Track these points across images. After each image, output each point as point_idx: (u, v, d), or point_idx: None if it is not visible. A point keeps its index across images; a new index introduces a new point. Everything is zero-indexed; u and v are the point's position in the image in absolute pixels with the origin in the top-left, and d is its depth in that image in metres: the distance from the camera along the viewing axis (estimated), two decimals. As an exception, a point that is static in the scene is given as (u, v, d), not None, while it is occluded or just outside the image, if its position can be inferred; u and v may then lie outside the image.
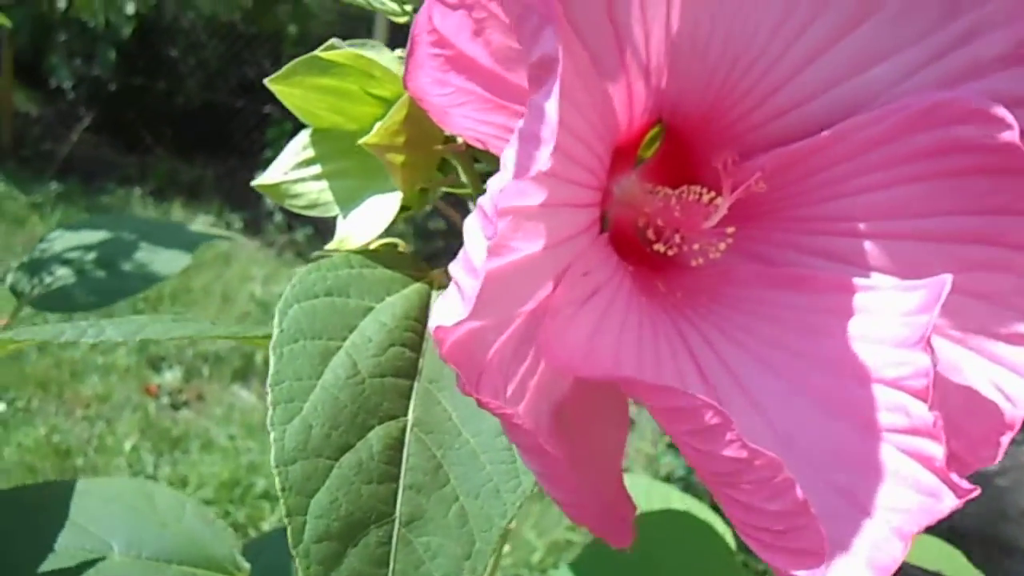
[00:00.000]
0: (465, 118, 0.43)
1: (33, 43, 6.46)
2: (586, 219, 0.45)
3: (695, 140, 0.52)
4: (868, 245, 0.49)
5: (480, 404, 0.34)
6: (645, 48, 0.47)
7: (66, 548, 0.67)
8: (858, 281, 0.48)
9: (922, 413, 0.41)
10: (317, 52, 0.45)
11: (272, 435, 0.35)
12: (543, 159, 0.34)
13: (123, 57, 6.34)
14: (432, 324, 0.32)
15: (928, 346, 0.41)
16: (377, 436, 0.37)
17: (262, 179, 0.47)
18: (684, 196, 0.49)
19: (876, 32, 0.46)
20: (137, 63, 6.52)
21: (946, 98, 0.44)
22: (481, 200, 0.33)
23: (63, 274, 0.91)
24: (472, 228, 0.34)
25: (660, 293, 0.51)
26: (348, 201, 0.47)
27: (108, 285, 0.88)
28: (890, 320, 0.46)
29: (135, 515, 0.68)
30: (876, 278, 0.49)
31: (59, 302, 0.92)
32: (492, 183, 0.34)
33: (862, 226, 0.49)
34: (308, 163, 0.48)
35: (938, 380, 0.48)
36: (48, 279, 0.93)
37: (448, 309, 0.33)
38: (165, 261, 0.90)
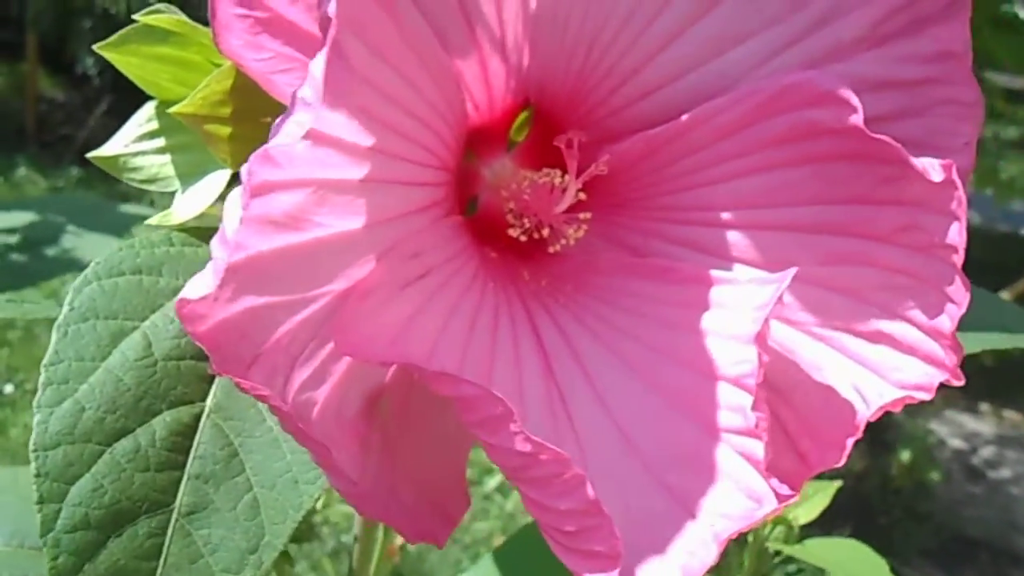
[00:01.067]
0: (291, 86, 0.41)
1: (58, 29, 6.52)
2: (423, 198, 0.43)
3: (563, 123, 0.50)
4: (733, 236, 0.47)
5: (239, 387, 0.32)
6: (498, 23, 0.45)
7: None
8: (719, 274, 0.45)
9: (755, 413, 0.39)
10: (139, 17, 0.44)
11: (36, 417, 0.33)
12: (307, 125, 0.32)
13: (146, 45, 6.36)
14: (179, 298, 0.30)
15: (761, 342, 0.39)
16: (163, 422, 0.36)
17: (99, 151, 0.46)
18: (537, 180, 0.47)
19: (733, 13, 0.44)
20: (159, 51, 6.54)
21: (796, 80, 0.41)
22: (242, 170, 0.31)
23: (-29, 266, 0.90)
24: (232, 200, 0.32)
25: (523, 280, 0.49)
26: (189, 176, 0.45)
27: (26, 269, 0.87)
28: (743, 315, 0.43)
29: (22, 505, 0.67)
30: (740, 270, 0.47)
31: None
32: (255, 154, 0.32)
33: (727, 215, 0.47)
34: (151, 135, 0.46)
35: (799, 379, 0.46)
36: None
37: (197, 282, 0.31)
38: (91, 245, 0.89)
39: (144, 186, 0.47)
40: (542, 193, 0.47)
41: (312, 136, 0.34)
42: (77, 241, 0.91)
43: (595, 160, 0.49)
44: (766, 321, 0.39)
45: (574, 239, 0.48)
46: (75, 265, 0.88)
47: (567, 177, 0.47)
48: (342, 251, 0.38)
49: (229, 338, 0.32)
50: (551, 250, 0.48)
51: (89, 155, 0.46)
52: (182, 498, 0.35)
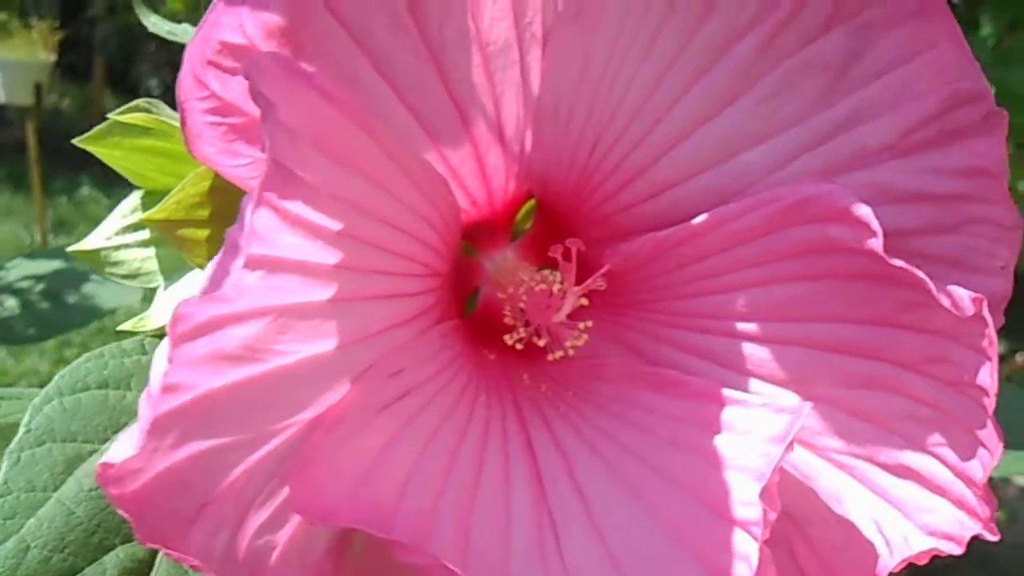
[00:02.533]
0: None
1: (123, 52, 6.70)
2: (407, 310, 0.40)
3: (568, 218, 0.47)
4: (749, 348, 0.43)
5: (168, 554, 0.29)
6: (496, 115, 0.42)
7: None
8: (730, 393, 0.42)
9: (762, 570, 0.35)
10: (114, 116, 0.42)
11: (-26, 557, 0.31)
12: (238, 272, 0.29)
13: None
14: (100, 461, 0.27)
15: (768, 497, 0.35)
16: (115, 559, 0.33)
17: (80, 245, 0.44)
18: (534, 287, 0.44)
19: (751, 111, 0.40)
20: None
21: (816, 192, 0.37)
22: (171, 314, 0.29)
23: (11, 305, 0.90)
24: (160, 350, 0.29)
25: (522, 385, 0.46)
26: (174, 271, 0.43)
27: (50, 317, 0.87)
28: (754, 444, 0.40)
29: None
30: (756, 386, 0.43)
31: (2, 333, 0.92)
32: (191, 299, 0.29)
33: (743, 326, 0.43)
34: (135, 227, 0.44)
35: (817, 510, 0.42)
36: (-2, 310, 0.93)
37: (124, 442, 0.28)
38: (110, 293, 0.89)
39: (126, 282, 0.45)
40: (540, 299, 0.44)
41: (265, 264, 0.32)
42: (97, 288, 0.90)
43: (601, 257, 0.46)
44: (775, 472, 0.35)
45: (573, 348, 0.44)
46: (93, 313, 0.87)
47: (564, 283, 0.43)
48: (311, 378, 0.35)
49: (167, 494, 0.30)
50: (550, 358, 0.45)
51: (70, 249, 0.45)
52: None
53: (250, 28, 0.35)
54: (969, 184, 0.36)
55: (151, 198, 0.45)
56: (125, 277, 0.44)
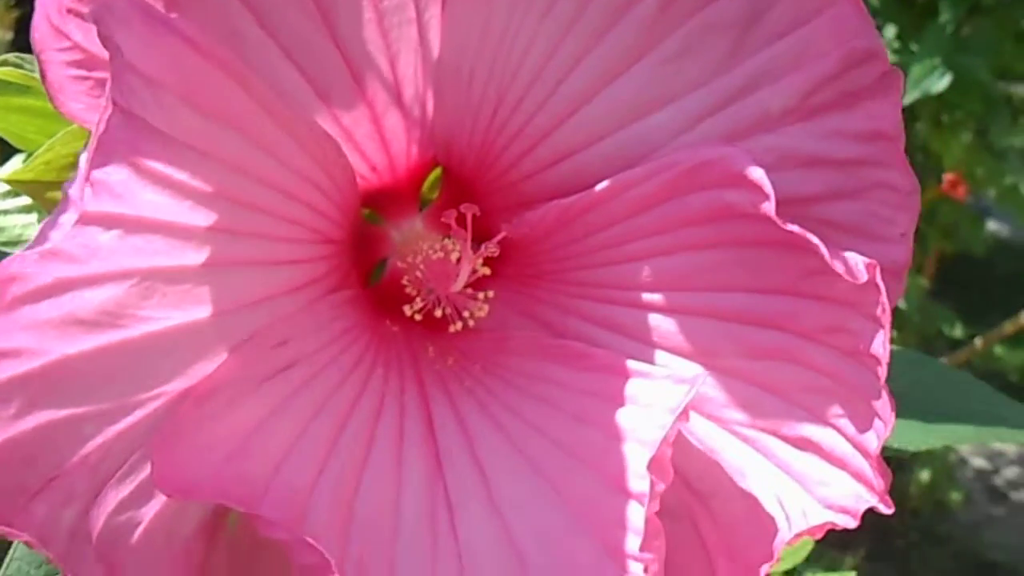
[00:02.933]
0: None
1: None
2: (294, 277, 0.39)
3: (473, 186, 0.45)
4: (655, 319, 0.42)
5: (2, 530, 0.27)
6: (392, 75, 0.40)
7: None
8: (635, 365, 0.40)
9: (648, 547, 0.34)
10: None
11: None
12: (87, 231, 0.28)
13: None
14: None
15: (657, 467, 0.34)
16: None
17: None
18: (431, 255, 0.43)
19: (654, 73, 0.39)
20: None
21: (711, 156, 0.36)
22: None
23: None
24: None
25: (426, 359, 0.44)
26: (55, 239, 0.41)
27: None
28: (653, 417, 0.38)
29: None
30: (661, 358, 0.42)
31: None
32: (31, 251, 0.27)
33: (648, 297, 0.42)
34: (17, 193, 0.42)
35: (722, 483, 0.41)
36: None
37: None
38: None
39: (7, 248, 0.42)
40: (438, 268, 0.42)
41: (122, 223, 0.30)
42: None
43: (507, 227, 0.45)
44: (664, 443, 0.34)
45: (473, 320, 0.43)
46: None
47: (467, 251, 0.42)
48: (182, 346, 0.34)
49: (7, 467, 0.28)
50: (451, 329, 0.43)
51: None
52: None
53: (114, -28, 0.33)
54: (868, 148, 0.35)
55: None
56: (6, 244, 0.42)
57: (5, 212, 0.42)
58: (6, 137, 0.42)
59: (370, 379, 0.41)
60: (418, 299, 0.43)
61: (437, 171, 0.46)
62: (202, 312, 0.34)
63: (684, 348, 0.41)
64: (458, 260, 0.42)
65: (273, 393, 0.36)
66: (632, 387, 0.40)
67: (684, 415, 0.36)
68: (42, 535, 0.29)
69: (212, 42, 0.33)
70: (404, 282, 0.44)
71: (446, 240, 0.44)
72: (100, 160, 0.28)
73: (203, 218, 0.33)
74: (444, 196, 0.46)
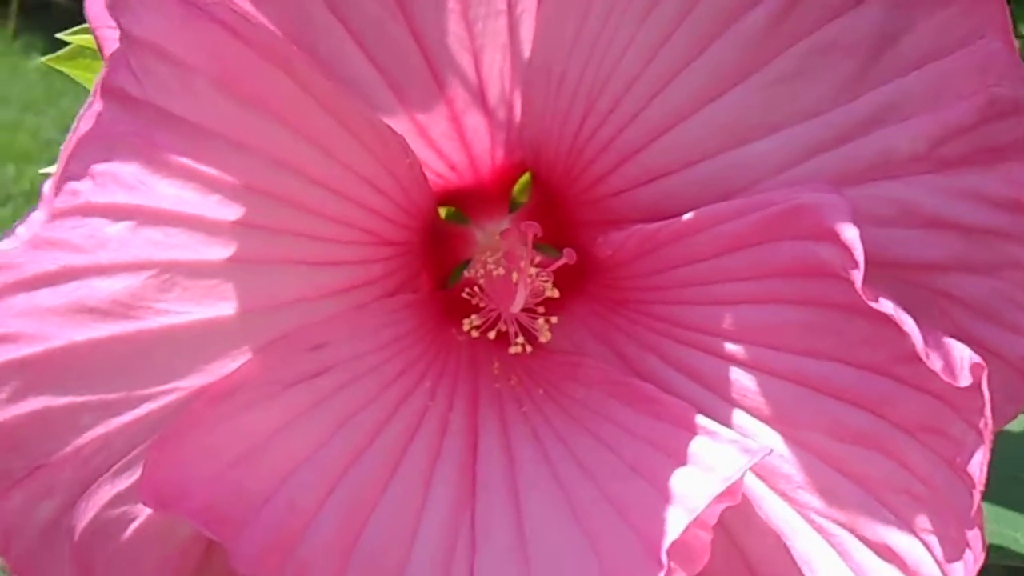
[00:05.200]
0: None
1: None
2: (340, 279, 0.36)
3: (562, 195, 0.41)
4: (736, 373, 0.37)
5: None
6: (475, 71, 0.37)
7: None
8: (704, 423, 0.36)
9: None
10: (66, 36, 0.39)
11: None
12: (89, 222, 0.26)
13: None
14: None
15: (683, 550, 0.30)
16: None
17: (49, 170, 0.43)
18: (494, 273, 0.39)
19: (763, 94, 0.33)
20: None
21: (807, 201, 0.31)
22: None
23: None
24: None
25: (489, 374, 0.41)
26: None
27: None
28: (710, 484, 0.34)
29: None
30: (738, 418, 0.37)
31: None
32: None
33: (732, 348, 0.37)
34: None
35: (784, 572, 0.35)
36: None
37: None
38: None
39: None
40: (500, 286, 0.39)
41: (135, 215, 0.28)
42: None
43: (594, 243, 0.40)
44: (694, 524, 0.30)
45: (532, 346, 0.39)
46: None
47: (525, 271, 0.38)
48: (202, 342, 0.32)
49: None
50: (511, 350, 0.40)
51: (42, 171, 0.43)
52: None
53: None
54: (1008, 219, 0.28)
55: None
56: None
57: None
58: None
59: (413, 392, 0.38)
60: (475, 316, 0.40)
61: (527, 175, 0.43)
62: (227, 309, 0.32)
63: (763, 411, 0.36)
64: (517, 280, 0.38)
65: (297, 399, 0.34)
66: (697, 446, 0.35)
67: (730, 493, 0.31)
68: (9, 528, 0.28)
69: (259, 25, 0.31)
70: (464, 294, 0.41)
71: (520, 248, 0.40)
72: (102, 155, 0.26)
73: (234, 212, 0.31)
74: (533, 202, 0.43)
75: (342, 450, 0.35)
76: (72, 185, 0.26)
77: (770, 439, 0.35)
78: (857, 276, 0.28)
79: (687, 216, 0.36)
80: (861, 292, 0.28)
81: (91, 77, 0.41)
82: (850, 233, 0.28)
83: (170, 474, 0.30)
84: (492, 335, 0.41)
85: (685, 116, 0.35)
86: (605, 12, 0.35)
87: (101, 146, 0.26)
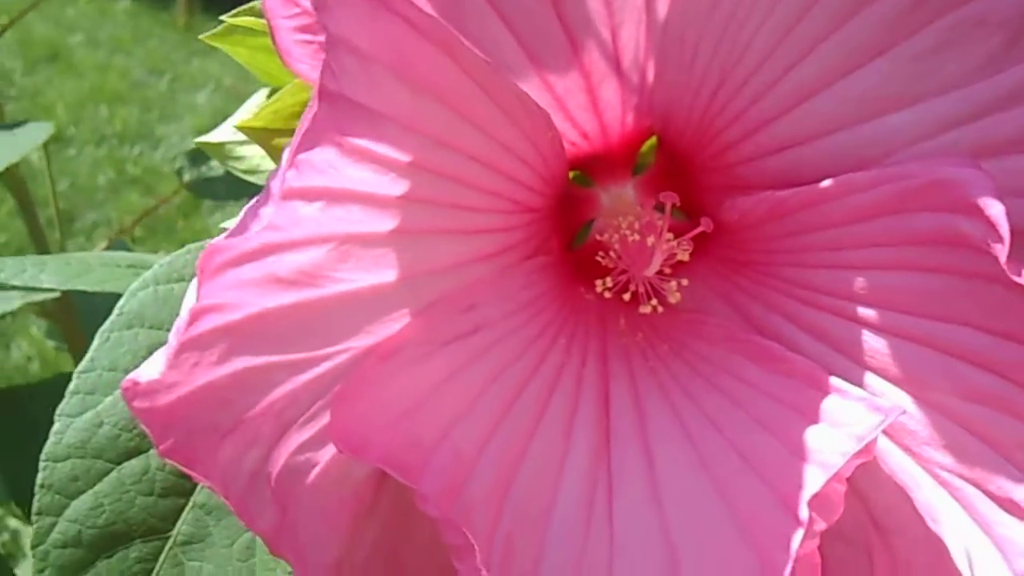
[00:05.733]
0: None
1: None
2: (487, 246, 0.39)
3: (689, 161, 0.43)
4: (866, 336, 0.38)
5: (188, 473, 0.30)
6: (612, 44, 0.39)
7: None
8: (833, 381, 0.38)
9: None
10: (227, 19, 0.42)
11: (55, 425, 0.34)
12: (287, 206, 0.29)
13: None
14: (127, 378, 0.29)
15: (825, 502, 0.32)
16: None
17: (207, 137, 0.46)
18: (628, 238, 0.41)
19: (901, 68, 0.34)
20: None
21: (951, 175, 0.32)
22: (204, 249, 0.29)
23: (215, 165, 0.97)
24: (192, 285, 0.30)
25: (616, 330, 0.44)
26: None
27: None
28: (837, 440, 0.36)
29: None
30: (866, 378, 0.38)
31: (206, 190, 1.00)
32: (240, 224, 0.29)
33: (861, 310, 0.38)
34: (258, 125, 0.45)
35: (908, 522, 0.38)
36: (205, 169, 1.00)
37: (153, 362, 0.30)
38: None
39: (246, 177, 0.46)
40: (634, 250, 0.41)
41: (325, 196, 0.31)
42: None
43: (720, 208, 0.42)
44: (834, 478, 0.32)
45: (662, 306, 0.41)
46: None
47: (663, 237, 0.40)
48: (370, 306, 0.35)
49: (204, 408, 0.31)
50: (642, 310, 0.42)
51: (196, 140, 0.47)
52: (181, 527, 0.35)
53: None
54: None
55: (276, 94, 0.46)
56: (245, 172, 0.46)
57: (248, 143, 0.46)
58: (253, 71, 0.45)
59: (551, 349, 0.41)
60: (608, 278, 0.42)
61: (653, 139, 0.44)
62: (392, 276, 0.35)
63: (892, 372, 0.38)
64: (653, 245, 0.40)
65: (454, 357, 0.37)
66: (826, 403, 0.37)
67: (867, 450, 0.33)
68: (225, 477, 0.32)
69: (429, 14, 0.33)
70: (599, 257, 0.43)
71: (651, 212, 0.42)
72: (305, 149, 0.29)
73: (402, 189, 0.34)
74: (658, 166, 0.44)
75: (494, 403, 0.38)
76: (286, 174, 0.29)
77: (898, 398, 0.37)
78: (1002, 251, 0.29)
79: (824, 183, 0.37)
80: (1005, 267, 0.29)
81: (243, 52, 0.44)
82: (995, 209, 0.29)
83: (354, 426, 0.33)
84: (626, 297, 0.43)
85: (819, 89, 0.36)
86: (743, -13, 0.36)
87: (310, 140, 0.29)
